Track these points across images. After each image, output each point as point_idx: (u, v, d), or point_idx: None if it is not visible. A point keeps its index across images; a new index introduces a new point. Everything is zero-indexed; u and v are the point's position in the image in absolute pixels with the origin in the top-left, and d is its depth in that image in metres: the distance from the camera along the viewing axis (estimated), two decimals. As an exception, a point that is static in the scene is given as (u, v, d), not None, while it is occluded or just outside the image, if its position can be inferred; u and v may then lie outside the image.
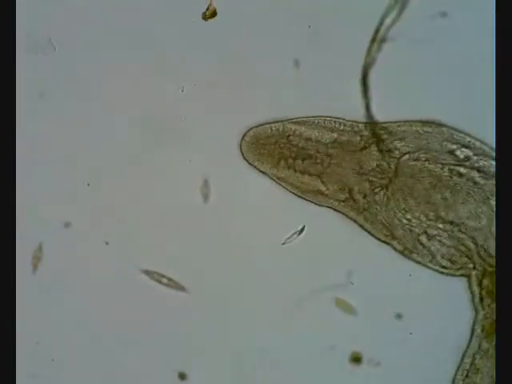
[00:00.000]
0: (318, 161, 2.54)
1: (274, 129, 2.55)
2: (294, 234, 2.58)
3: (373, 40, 2.49)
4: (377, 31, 2.50)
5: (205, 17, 2.54)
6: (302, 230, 2.58)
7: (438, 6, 2.52)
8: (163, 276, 2.60)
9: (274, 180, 2.57)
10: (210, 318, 2.60)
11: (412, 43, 2.52)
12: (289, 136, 2.54)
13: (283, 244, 2.58)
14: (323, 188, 2.54)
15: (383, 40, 2.49)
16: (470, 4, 2.52)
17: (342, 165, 2.53)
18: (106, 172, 2.60)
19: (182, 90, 2.56)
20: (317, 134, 2.54)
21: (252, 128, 2.56)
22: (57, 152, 2.60)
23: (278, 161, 2.56)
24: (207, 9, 2.53)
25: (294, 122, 2.55)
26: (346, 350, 2.58)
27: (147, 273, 2.60)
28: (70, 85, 2.58)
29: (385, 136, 2.52)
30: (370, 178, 2.53)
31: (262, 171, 2.57)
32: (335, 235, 2.57)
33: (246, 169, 2.57)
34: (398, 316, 2.57)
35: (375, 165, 2.53)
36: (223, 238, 2.59)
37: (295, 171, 2.55)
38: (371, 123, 2.53)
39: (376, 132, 2.52)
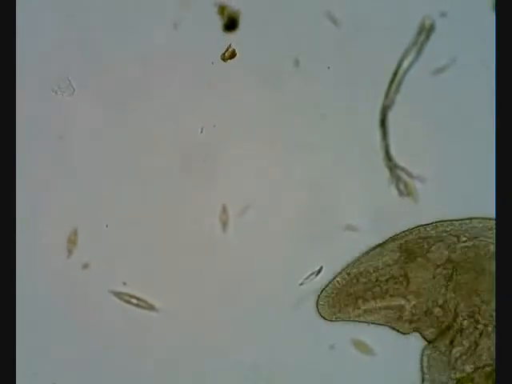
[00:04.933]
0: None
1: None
2: (311, 275, 2.58)
3: (391, 82, 2.52)
4: (395, 73, 2.53)
5: (224, 58, 2.56)
6: (319, 271, 2.57)
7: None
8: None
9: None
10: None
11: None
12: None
13: (301, 285, 2.57)
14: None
15: (400, 83, 2.52)
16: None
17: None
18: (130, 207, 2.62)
19: (201, 131, 2.58)
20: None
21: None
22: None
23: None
24: (226, 50, 2.56)
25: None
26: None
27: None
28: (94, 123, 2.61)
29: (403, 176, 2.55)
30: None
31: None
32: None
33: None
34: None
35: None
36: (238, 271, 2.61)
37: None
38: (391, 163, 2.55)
39: (394, 171, 2.54)
